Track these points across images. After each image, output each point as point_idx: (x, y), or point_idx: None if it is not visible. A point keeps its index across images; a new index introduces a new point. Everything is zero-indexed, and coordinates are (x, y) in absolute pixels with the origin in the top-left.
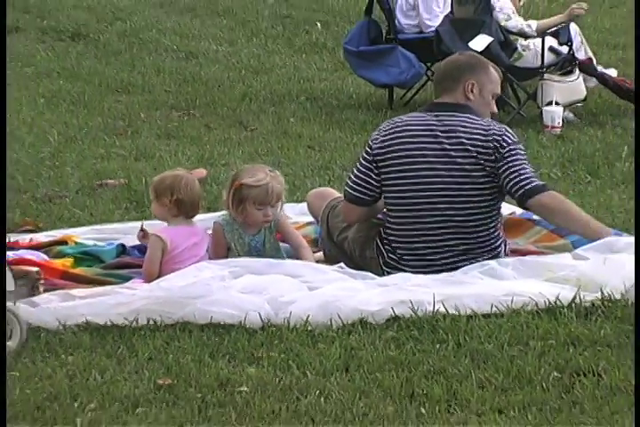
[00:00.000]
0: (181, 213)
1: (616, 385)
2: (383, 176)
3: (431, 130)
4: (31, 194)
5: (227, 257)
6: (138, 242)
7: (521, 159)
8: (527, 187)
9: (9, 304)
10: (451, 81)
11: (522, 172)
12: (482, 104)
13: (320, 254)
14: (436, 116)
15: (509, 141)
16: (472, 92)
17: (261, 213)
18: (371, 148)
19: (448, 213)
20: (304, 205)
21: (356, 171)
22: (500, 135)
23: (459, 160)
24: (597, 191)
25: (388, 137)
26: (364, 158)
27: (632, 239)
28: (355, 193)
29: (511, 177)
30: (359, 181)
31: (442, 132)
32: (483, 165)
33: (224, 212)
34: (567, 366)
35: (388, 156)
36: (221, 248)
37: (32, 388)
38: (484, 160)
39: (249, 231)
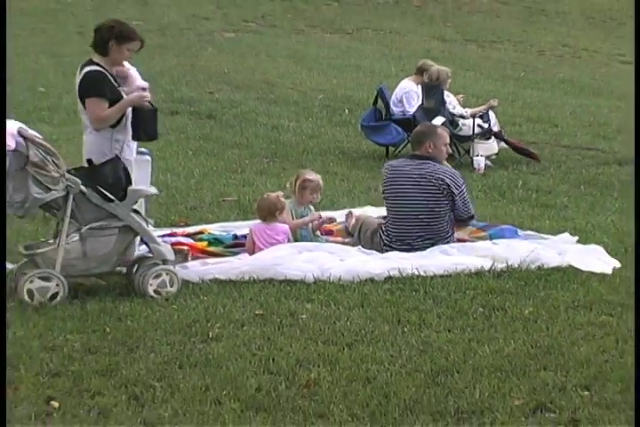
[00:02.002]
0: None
1: (515, 316)
2: (385, 197)
3: (410, 171)
4: (184, 205)
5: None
6: (246, 232)
7: (464, 197)
8: (461, 218)
9: (171, 267)
10: (418, 143)
11: (463, 208)
12: (438, 154)
13: (349, 240)
14: (414, 162)
15: (459, 184)
16: (430, 148)
17: (312, 196)
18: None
19: (419, 217)
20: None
21: None
22: (451, 179)
23: (426, 188)
24: (504, 206)
25: (388, 177)
26: None
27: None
28: None
29: (456, 209)
30: None
31: (416, 172)
32: (441, 189)
33: (289, 200)
34: (487, 305)
35: (387, 186)
36: (289, 222)
37: (183, 315)
38: (442, 188)
39: (299, 208)
